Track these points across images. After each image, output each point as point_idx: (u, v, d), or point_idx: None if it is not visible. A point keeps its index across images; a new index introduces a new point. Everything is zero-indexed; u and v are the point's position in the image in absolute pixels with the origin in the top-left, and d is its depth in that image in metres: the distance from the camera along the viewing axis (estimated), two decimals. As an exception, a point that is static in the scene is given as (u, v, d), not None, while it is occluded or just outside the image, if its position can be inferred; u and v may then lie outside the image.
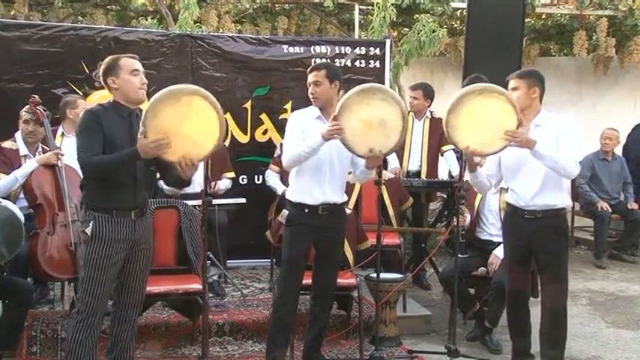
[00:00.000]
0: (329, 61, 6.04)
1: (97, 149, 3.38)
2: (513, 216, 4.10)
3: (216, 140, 3.51)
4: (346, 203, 4.28)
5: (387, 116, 3.90)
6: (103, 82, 3.58)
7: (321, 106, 4.05)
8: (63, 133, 5.03)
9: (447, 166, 6.17)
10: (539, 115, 4.02)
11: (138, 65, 3.53)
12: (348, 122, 3.85)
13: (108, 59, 3.55)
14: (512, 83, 4.02)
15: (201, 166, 3.81)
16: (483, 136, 3.84)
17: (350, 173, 4.21)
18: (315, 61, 5.98)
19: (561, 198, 4.04)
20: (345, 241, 4.44)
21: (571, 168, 3.90)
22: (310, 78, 4.03)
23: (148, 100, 3.50)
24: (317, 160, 3.97)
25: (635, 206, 7.62)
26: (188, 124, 3.45)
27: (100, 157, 3.38)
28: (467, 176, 4.15)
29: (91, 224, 3.42)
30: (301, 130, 4.02)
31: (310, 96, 4.05)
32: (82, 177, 3.58)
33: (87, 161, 3.40)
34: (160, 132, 3.37)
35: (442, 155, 6.12)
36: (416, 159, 6.06)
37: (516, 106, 3.82)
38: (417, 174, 6.02)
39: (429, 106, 6.07)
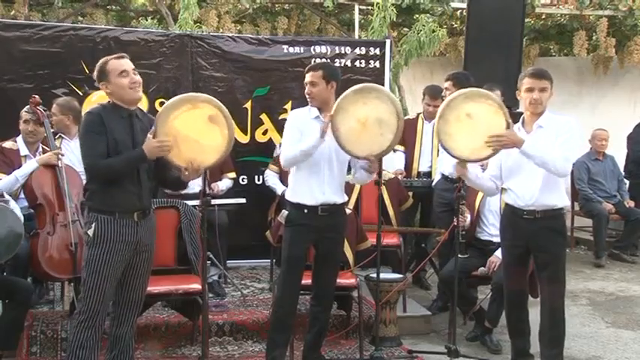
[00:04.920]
0: (329, 61, 6.04)
1: (102, 151, 3.39)
2: (512, 216, 4.10)
3: (222, 152, 3.61)
4: (346, 203, 4.28)
5: (383, 115, 3.92)
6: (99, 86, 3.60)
7: (318, 106, 4.05)
8: (61, 136, 5.01)
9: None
10: (544, 116, 4.01)
11: (126, 65, 3.48)
12: (345, 122, 3.87)
13: (98, 64, 3.52)
14: (539, 83, 3.93)
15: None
16: (475, 141, 3.86)
17: (349, 173, 4.21)
18: (314, 61, 5.98)
19: (560, 198, 4.04)
20: (345, 241, 4.44)
21: (561, 165, 3.87)
22: (307, 78, 4.04)
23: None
24: (316, 160, 3.98)
25: (631, 204, 7.66)
26: (198, 131, 3.53)
27: (107, 160, 3.39)
28: (466, 181, 4.16)
29: (93, 226, 3.41)
30: (299, 129, 4.03)
31: (307, 96, 4.06)
32: (84, 180, 3.58)
33: (94, 165, 3.41)
34: (170, 134, 3.43)
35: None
36: (426, 160, 6.04)
37: (504, 108, 3.85)
38: (428, 174, 6.01)
39: None
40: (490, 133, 3.82)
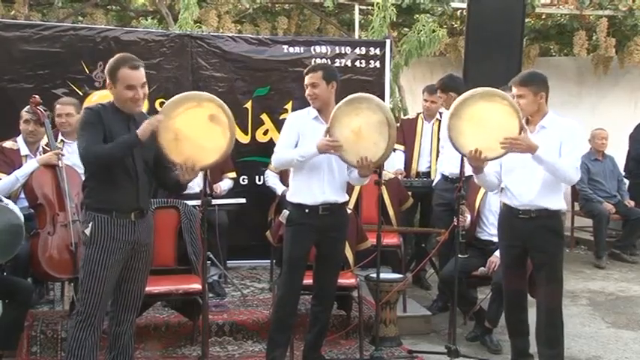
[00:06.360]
0: (329, 61, 6.04)
1: (98, 141, 3.36)
2: (508, 215, 4.10)
3: (222, 152, 3.60)
4: (346, 203, 4.28)
5: (374, 124, 3.91)
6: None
7: (319, 108, 4.06)
8: (62, 140, 5.00)
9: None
10: (547, 117, 4.01)
11: (135, 80, 3.39)
12: (340, 133, 3.88)
13: (112, 62, 3.45)
14: (516, 90, 3.97)
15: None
16: (486, 141, 3.83)
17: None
18: (314, 61, 5.99)
19: (556, 201, 4.02)
20: (345, 241, 4.44)
21: (571, 175, 3.91)
22: (307, 80, 4.04)
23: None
24: (316, 160, 3.98)
25: (631, 203, 7.68)
26: (200, 130, 3.52)
27: (100, 145, 3.35)
28: (474, 178, 4.16)
29: (90, 225, 3.41)
30: (297, 132, 4.04)
31: (308, 98, 4.06)
32: (82, 178, 3.57)
33: (88, 150, 3.37)
34: (172, 130, 3.44)
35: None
36: (425, 160, 6.06)
37: (519, 110, 3.82)
38: (427, 174, 6.02)
39: None
40: (502, 134, 3.80)
